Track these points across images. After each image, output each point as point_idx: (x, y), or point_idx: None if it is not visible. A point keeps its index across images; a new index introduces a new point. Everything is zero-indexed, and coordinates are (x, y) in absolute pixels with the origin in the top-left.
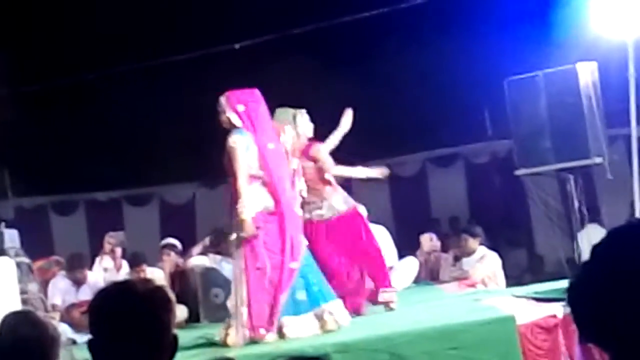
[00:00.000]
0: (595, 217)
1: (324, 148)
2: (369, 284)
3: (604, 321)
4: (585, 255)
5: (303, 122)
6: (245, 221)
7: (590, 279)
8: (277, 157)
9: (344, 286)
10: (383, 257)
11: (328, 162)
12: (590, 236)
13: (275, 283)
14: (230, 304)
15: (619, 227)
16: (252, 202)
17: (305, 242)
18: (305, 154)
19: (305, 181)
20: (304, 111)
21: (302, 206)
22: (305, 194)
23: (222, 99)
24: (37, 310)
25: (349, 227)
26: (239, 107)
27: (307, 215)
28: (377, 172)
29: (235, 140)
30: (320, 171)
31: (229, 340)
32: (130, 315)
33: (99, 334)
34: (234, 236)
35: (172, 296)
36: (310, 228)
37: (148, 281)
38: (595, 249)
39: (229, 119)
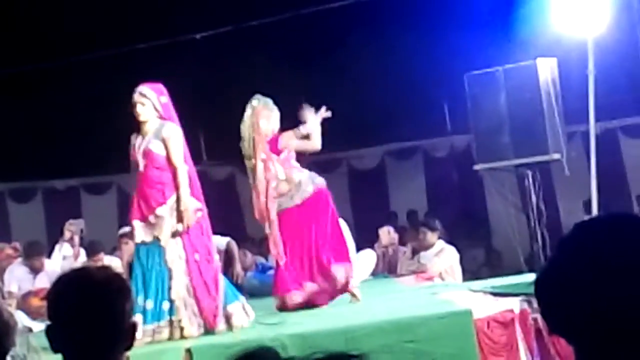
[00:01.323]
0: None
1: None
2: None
3: (570, 313)
4: None
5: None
6: (188, 210)
7: (558, 270)
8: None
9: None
10: (346, 244)
11: (306, 143)
12: None
13: (214, 271)
14: (175, 296)
15: (586, 221)
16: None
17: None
18: (276, 145)
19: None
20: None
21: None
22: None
23: (148, 90)
24: None
25: (316, 209)
26: (163, 98)
27: (285, 206)
28: (320, 115)
29: (177, 131)
30: (287, 161)
31: (186, 333)
32: (88, 303)
33: (57, 321)
34: (171, 226)
35: (130, 284)
36: (287, 215)
37: (106, 268)
38: (563, 241)
39: (155, 108)
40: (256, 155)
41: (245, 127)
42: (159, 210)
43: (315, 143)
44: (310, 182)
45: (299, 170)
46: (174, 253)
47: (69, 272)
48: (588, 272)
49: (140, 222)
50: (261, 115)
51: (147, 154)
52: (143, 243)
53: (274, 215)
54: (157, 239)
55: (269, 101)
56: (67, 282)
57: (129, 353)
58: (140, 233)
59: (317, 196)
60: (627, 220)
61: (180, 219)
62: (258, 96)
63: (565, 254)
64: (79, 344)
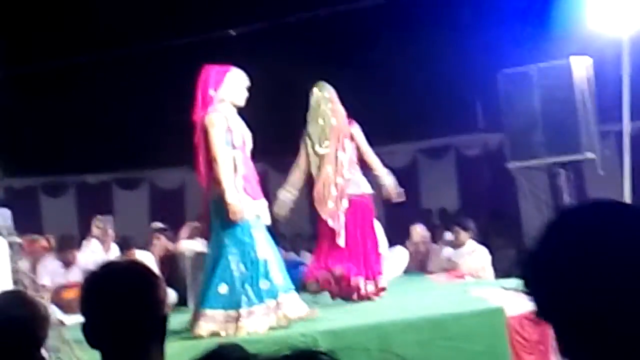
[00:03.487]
0: None
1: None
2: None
3: (553, 299)
4: None
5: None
6: (234, 205)
7: (543, 254)
8: None
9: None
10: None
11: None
12: None
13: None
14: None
15: (573, 207)
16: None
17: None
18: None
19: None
20: None
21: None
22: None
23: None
24: (27, 290)
25: (363, 211)
26: None
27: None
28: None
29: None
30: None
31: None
32: (119, 297)
33: (90, 317)
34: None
35: (160, 277)
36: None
37: (135, 262)
38: (551, 225)
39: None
40: (335, 141)
41: (318, 114)
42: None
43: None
44: (365, 182)
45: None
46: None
47: (98, 268)
48: (570, 260)
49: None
50: (336, 103)
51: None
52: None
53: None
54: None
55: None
56: (96, 278)
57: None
58: (252, 209)
59: (367, 200)
60: (616, 209)
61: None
62: (323, 83)
63: (551, 239)
64: (114, 339)
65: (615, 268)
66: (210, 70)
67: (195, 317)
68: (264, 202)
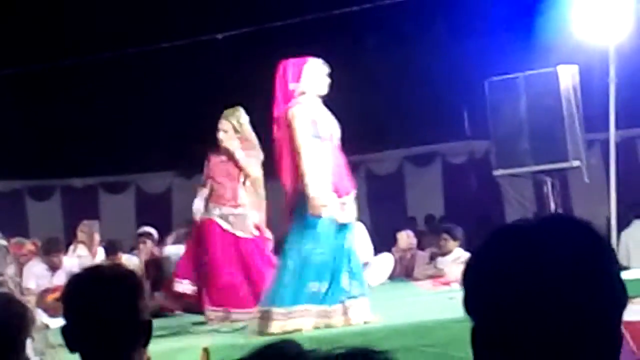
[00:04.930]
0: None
1: None
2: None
3: (485, 303)
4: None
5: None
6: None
7: (481, 261)
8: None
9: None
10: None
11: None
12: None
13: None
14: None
15: (523, 220)
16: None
17: None
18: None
19: None
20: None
21: None
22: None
23: None
24: (13, 293)
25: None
26: None
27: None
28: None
29: None
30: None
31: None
32: (101, 300)
33: (72, 320)
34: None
35: (143, 281)
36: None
37: (118, 266)
38: (494, 234)
39: None
40: None
41: None
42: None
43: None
44: None
45: None
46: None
47: (81, 272)
48: (496, 270)
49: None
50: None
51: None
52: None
53: None
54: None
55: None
56: (80, 281)
57: (149, 352)
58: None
59: None
60: (563, 226)
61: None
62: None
63: (489, 245)
64: (94, 342)
65: (536, 286)
66: (287, 64)
67: (272, 316)
68: (351, 198)
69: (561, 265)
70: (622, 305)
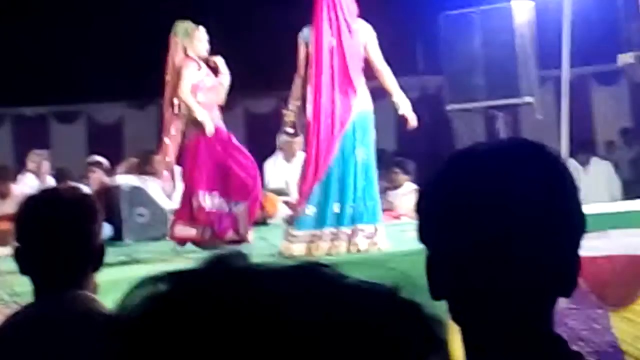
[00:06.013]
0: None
1: None
2: None
3: (429, 228)
4: None
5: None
6: None
7: (435, 183)
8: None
9: None
10: None
11: None
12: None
13: None
14: None
15: (461, 150)
16: None
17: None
18: None
19: None
20: None
21: None
22: None
23: None
24: None
25: None
26: None
27: None
28: None
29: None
30: None
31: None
32: (56, 222)
33: (24, 241)
34: None
35: (99, 206)
36: None
37: (74, 189)
38: (450, 159)
39: None
40: None
41: None
42: None
43: None
44: None
45: None
46: None
47: (38, 192)
48: (451, 192)
49: None
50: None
51: None
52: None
53: None
54: None
55: None
56: (35, 201)
57: (96, 279)
58: None
59: None
60: (524, 151)
61: None
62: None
63: (446, 174)
64: (46, 264)
65: (492, 211)
66: None
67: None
68: None
69: (518, 188)
70: (581, 230)
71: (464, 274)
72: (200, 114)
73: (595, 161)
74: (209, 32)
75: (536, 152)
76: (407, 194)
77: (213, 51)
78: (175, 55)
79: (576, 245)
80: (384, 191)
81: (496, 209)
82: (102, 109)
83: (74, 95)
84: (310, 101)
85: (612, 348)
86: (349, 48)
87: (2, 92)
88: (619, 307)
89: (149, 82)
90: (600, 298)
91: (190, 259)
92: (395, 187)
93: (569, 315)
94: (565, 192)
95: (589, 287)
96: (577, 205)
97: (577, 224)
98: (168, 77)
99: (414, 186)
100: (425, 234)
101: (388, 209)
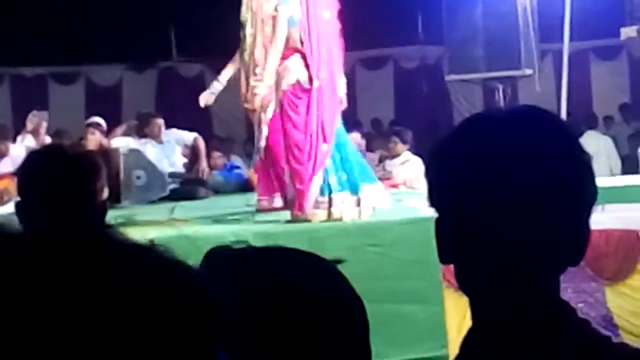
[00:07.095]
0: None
1: None
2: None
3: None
4: None
5: None
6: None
7: (448, 146)
8: (328, 28)
9: None
10: None
11: None
12: None
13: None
14: None
15: (475, 115)
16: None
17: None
18: None
19: None
20: None
21: None
22: None
23: None
24: None
25: None
26: None
27: None
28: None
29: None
30: None
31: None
32: (60, 177)
33: (27, 196)
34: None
35: (102, 163)
36: None
37: (78, 146)
38: (464, 123)
39: None
40: None
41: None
42: None
43: None
44: None
45: None
46: None
47: (42, 148)
48: (465, 154)
49: None
50: None
51: None
52: None
53: None
54: None
55: None
56: (39, 157)
57: None
58: None
59: None
60: (535, 117)
61: None
62: None
63: (459, 133)
64: (48, 219)
65: (503, 176)
66: None
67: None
68: None
69: (530, 154)
70: (593, 199)
71: (472, 239)
72: None
73: (594, 135)
74: None
75: (550, 120)
76: (404, 163)
77: None
78: None
79: (587, 213)
80: (381, 160)
81: (507, 173)
82: (101, 70)
83: (73, 57)
84: None
85: (607, 322)
86: None
87: (1, 52)
88: (613, 282)
89: (148, 45)
90: (595, 271)
91: (185, 222)
92: (393, 157)
93: (563, 289)
94: (578, 160)
95: (583, 261)
96: (590, 174)
97: (588, 193)
98: None
99: (412, 155)
100: (435, 197)
101: (386, 177)
